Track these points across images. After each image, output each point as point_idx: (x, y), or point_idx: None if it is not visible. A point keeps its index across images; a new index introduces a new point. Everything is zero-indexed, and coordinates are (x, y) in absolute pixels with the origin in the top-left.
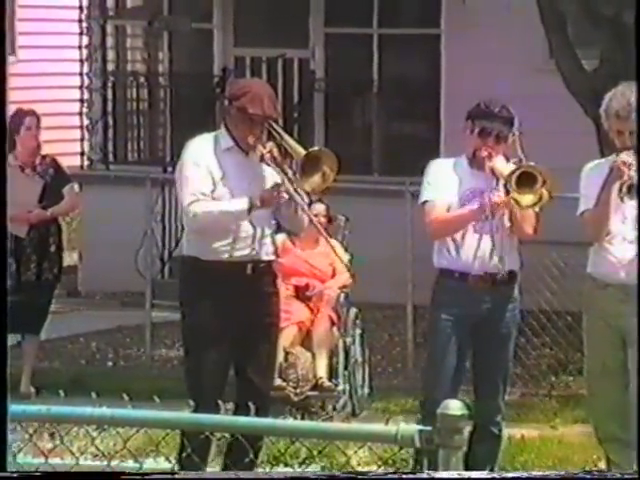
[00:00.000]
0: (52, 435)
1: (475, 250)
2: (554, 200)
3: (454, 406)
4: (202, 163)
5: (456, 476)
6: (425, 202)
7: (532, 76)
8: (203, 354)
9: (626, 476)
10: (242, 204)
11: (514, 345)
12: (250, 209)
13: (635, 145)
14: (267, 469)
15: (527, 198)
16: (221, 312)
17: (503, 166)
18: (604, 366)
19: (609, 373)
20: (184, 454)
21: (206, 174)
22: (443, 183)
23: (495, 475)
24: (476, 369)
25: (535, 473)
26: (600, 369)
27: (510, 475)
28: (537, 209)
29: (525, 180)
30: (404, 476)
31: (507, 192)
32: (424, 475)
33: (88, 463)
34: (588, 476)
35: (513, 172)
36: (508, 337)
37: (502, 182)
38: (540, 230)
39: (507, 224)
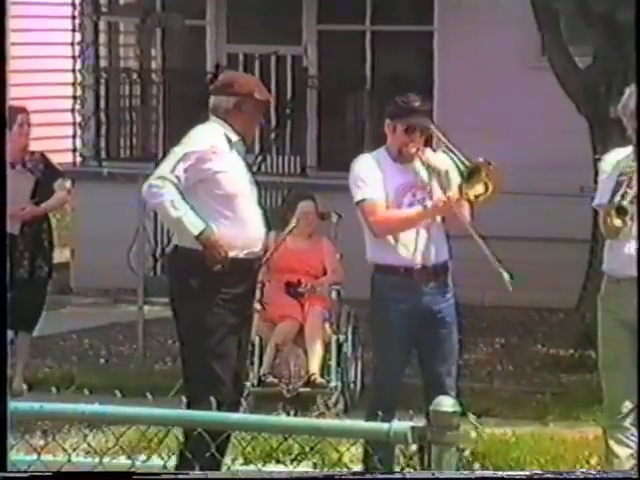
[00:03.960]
0: (44, 432)
1: (416, 245)
2: (546, 198)
3: (447, 403)
4: (207, 156)
5: (460, 475)
6: (363, 200)
7: (525, 73)
8: (229, 347)
9: (626, 476)
10: (194, 230)
11: (458, 334)
12: (197, 237)
13: None
14: (259, 466)
15: (477, 189)
16: (234, 305)
17: (435, 159)
18: (616, 360)
19: (621, 366)
20: (207, 454)
21: (203, 166)
22: (376, 181)
23: (502, 474)
24: (424, 361)
25: (539, 471)
26: (613, 362)
27: (517, 474)
28: (483, 197)
29: (472, 173)
30: (408, 475)
31: (441, 186)
32: (428, 474)
33: (80, 460)
34: (590, 476)
35: (465, 171)
36: (451, 325)
37: (434, 174)
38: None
39: (438, 219)
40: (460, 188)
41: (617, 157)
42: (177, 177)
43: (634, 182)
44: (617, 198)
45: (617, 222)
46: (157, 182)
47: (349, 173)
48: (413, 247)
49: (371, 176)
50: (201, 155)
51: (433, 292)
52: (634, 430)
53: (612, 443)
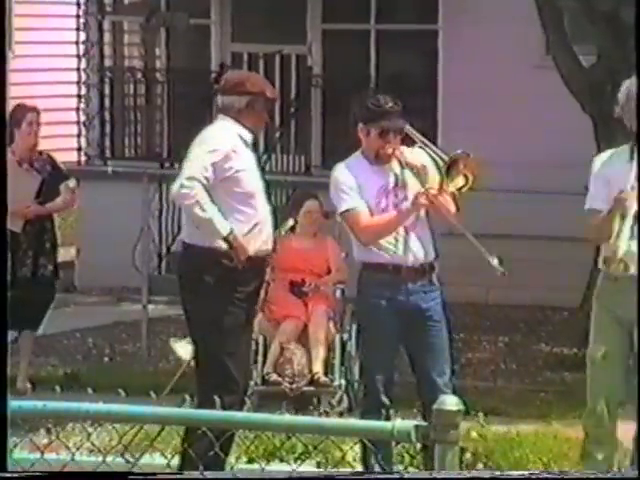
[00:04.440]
0: (48, 430)
1: (403, 243)
2: (550, 197)
3: (450, 402)
4: (229, 155)
5: (459, 475)
6: (347, 211)
7: (530, 73)
8: (241, 345)
9: (626, 476)
10: (223, 231)
11: (448, 332)
12: (224, 239)
13: None
14: (263, 464)
15: (456, 182)
16: (246, 303)
17: (412, 157)
18: (607, 357)
19: (609, 365)
20: (211, 453)
21: (225, 165)
22: (355, 189)
23: (497, 474)
24: (415, 360)
25: (536, 471)
26: (603, 359)
27: (514, 473)
28: (465, 188)
29: (450, 167)
30: (406, 475)
31: (420, 183)
32: (425, 474)
33: (84, 459)
34: (592, 476)
35: (444, 165)
36: (440, 323)
37: (412, 172)
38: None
39: (424, 218)
40: (440, 182)
41: (606, 155)
42: (206, 177)
43: (631, 212)
44: (613, 240)
45: (620, 267)
46: (187, 183)
47: (330, 183)
48: (400, 245)
49: (350, 185)
50: (225, 155)
51: (420, 290)
52: (614, 431)
53: (590, 444)
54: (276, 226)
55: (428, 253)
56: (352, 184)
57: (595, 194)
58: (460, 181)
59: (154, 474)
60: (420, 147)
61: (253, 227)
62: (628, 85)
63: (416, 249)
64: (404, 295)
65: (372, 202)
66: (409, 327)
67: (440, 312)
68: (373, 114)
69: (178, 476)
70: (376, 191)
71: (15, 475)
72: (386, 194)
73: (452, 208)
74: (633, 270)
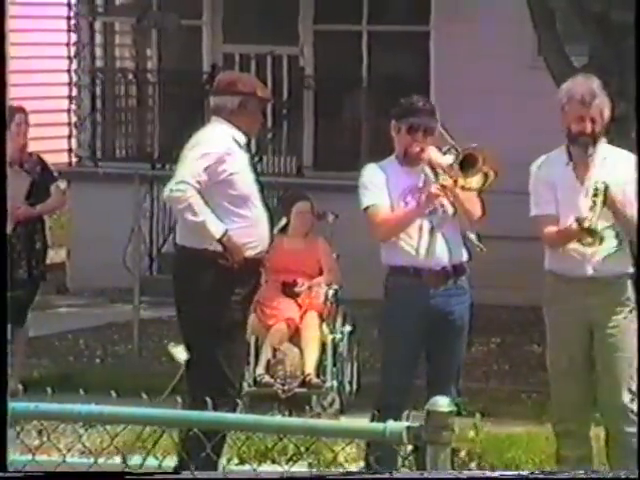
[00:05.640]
0: (39, 432)
1: (427, 246)
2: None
3: (442, 403)
4: (223, 157)
5: (449, 475)
6: (367, 207)
7: (522, 73)
8: (237, 347)
9: (628, 476)
10: (216, 233)
11: (467, 335)
12: (219, 240)
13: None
14: (254, 466)
15: (474, 180)
16: (240, 304)
17: (439, 157)
18: (570, 361)
19: (575, 369)
20: (203, 454)
21: (219, 168)
22: (380, 186)
23: (493, 474)
24: (432, 362)
25: (525, 473)
26: (566, 365)
27: (509, 473)
28: (485, 187)
29: (467, 163)
30: (396, 475)
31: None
32: (416, 475)
33: (75, 460)
34: (593, 475)
35: (456, 158)
36: (462, 329)
37: (440, 172)
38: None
39: (451, 218)
40: (455, 179)
41: (542, 160)
42: (198, 182)
43: (600, 200)
44: (587, 223)
45: (589, 240)
46: (179, 187)
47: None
48: (422, 248)
49: (374, 182)
50: (218, 158)
51: (444, 294)
52: (587, 434)
53: (562, 449)
54: (271, 227)
55: (454, 255)
56: (377, 182)
57: (541, 199)
58: (478, 180)
59: (147, 474)
60: (450, 150)
61: (248, 229)
62: (570, 87)
63: (439, 251)
64: (425, 299)
65: (396, 202)
66: (431, 331)
67: (464, 317)
68: (404, 110)
69: (170, 476)
70: (402, 190)
71: (15, 475)
72: (412, 194)
73: (477, 210)
74: (605, 244)
